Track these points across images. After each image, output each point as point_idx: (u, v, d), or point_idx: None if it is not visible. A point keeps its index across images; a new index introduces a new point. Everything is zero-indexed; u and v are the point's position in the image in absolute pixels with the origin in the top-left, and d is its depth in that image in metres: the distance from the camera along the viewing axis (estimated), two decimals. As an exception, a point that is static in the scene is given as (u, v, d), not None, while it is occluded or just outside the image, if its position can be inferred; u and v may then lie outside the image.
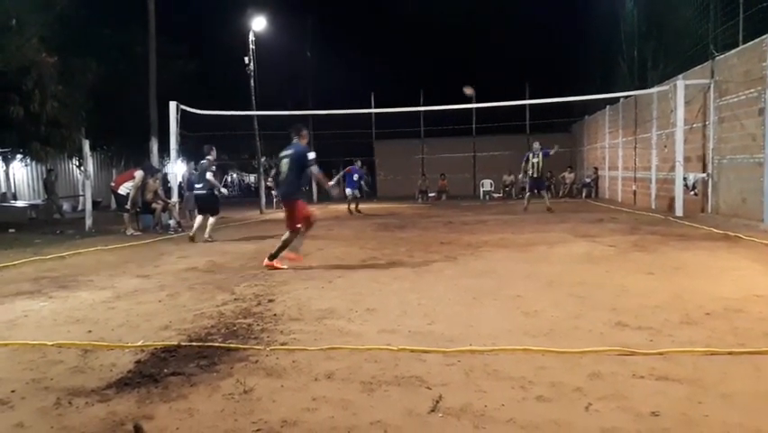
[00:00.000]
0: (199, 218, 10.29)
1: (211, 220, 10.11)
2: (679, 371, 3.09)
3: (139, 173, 11.81)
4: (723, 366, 3.15)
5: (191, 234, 9.98)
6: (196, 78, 22.46)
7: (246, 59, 18.71)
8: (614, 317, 4.23)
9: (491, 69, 30.55)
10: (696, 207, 12.32)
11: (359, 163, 17.13)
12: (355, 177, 16.47)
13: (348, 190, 16.19)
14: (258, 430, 2.52)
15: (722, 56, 11.47)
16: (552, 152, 14.92)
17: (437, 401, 2.75)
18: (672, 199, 12.83)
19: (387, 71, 30.96)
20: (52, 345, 3.86)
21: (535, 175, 15.07)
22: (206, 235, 9.97)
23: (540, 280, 5.76)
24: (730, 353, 3.35)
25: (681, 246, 7.79)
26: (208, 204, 10.22)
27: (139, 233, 11.70)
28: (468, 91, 16.06)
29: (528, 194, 15.95)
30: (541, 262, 6.94)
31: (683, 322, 4.05)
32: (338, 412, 2.69)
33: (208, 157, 10.04)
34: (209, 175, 9.91)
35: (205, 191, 10.09)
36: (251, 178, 40.41)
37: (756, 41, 10.12)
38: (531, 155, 14.98)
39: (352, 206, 16.59)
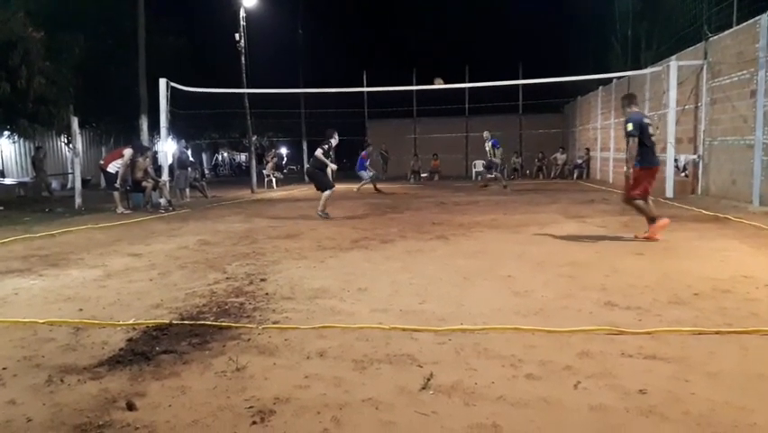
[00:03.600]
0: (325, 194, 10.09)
1: (326, 193, 10.05)
2: (666, 350, 3.13)
3: (128, 151, 11.69)
4: (710, 345, 3.20)
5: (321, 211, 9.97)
6: (187, 55, 22.13)
7: (237, 35, 18.44)
8: (603, 296, 4.27)
9: (485, 48, 30.39)
10: (686, 189, 12.40)
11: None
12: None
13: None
14: (250, 407, 2.54)
15: (715, 37, 11.45)
16: (497, 150, 17.20)
17: (428, 379, 2.78)
18: (663, 181, 12.88)
19: (379, 50, 30.71)
20: (43, 323, 3.85)
21: (488, 158, 17.72)
22: (318, 209, 10.04)
23: (531, 260, 5.80)
24: (717, 332, 3.40)
25: (671, 227, 7.82)
26: (315, 180, 10.29)
27: (129, 211, 11.64)
28: (439, 82, 17.09)
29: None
30: (532, 242, 6.98)
31: (671, 302, 4.10)
32: (330, 389, 2.72)
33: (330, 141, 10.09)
34: (318, 152, 9.96)
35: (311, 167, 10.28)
36: (242, 157, 40.13)
37: (750, 22, 10.10)
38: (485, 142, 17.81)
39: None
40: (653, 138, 6.73)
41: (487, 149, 17.32)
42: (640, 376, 2.78)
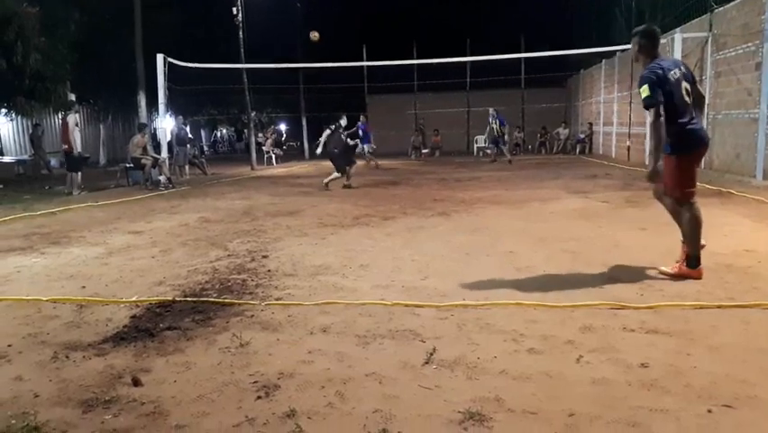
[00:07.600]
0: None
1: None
2: (668, 324, 3.14)
3: (70, 118, 11.49)
4: (712, 319, 3.21)
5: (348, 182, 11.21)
6: (184, 31, 21.79)
7: (234, 9, 18.16)
8: (605, 271, 4.27)
9: (486, 21, 29.95)
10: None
11: (363, 119, 17.67)
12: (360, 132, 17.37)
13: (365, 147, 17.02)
14: (255, 382, 2.56)
15: (721, 9, 11.25)
16: (504, 129, 18.15)
17: (431, 354, 2.80)
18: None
19: (379, 23, 30.27)
20: (47, 301, 3.87)
21: (494, 134, 18.44)
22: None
23: (533, 236, 5.79)
24: (719, 306, 3.41)
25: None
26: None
27: (84, 192, 11.13)
28: (314, 35, 17.78)
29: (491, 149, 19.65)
30: (534, 218, 6.96)
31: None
32: (334, 364, 2.74)
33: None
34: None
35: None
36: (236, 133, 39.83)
37: (756, -7, 9.91)
38: (491, 120, 18.12)
39: (372, 162, 17.17)
40: (687, 99, 3.87)
41: (494, 126, 17.88)
42: (642, 350, 2.79)
